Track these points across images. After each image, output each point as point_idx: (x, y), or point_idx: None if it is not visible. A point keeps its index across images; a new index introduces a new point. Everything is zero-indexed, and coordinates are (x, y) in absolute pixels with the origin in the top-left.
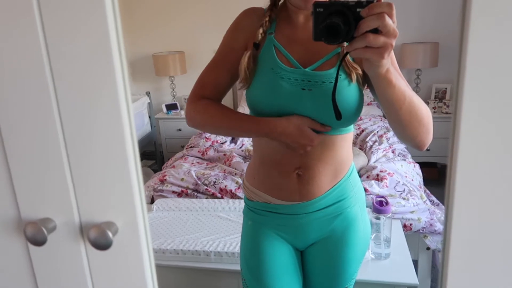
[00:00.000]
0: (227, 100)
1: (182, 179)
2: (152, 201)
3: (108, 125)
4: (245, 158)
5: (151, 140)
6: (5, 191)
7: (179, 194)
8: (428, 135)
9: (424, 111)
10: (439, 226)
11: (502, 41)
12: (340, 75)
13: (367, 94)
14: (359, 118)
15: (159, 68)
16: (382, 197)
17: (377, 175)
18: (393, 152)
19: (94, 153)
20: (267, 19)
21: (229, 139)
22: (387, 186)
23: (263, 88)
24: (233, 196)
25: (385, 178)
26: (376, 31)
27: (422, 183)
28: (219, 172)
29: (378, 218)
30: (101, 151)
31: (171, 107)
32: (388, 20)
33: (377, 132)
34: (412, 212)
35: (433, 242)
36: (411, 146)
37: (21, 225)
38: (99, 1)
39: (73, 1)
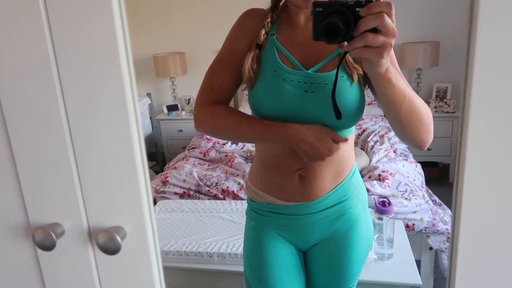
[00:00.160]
0: None
1: (184, 181)
2: (154, 202)
3: (115, 128)
4: (246, 159)
5: (152, 141)
6: (13, 196)
7: (181, 196)
8: (428, 134)
9: (424, 111)
10: (441, 226)
11: (510, 41)
12: (342, 76)
13: (368, 94)
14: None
15: (159, 69)
16: (385, 197)
17: (379, 175)
18: (394, 152)
19: (101, 157)
20: (268, 20)
21: None
22: (389, 186)
23: (266, 90)
24: (235, 197)
25: (387, 178)
26: (375, 30)
27: (424, 183)
28: (221, 173)
29: (380, 219)
30: (108, 155)
31: (172, 108)
32: (387, 19)
33: (379, 132)
34: (414, 212)
35: (436, 242)
36: (411, 145)
37: (30, 230)
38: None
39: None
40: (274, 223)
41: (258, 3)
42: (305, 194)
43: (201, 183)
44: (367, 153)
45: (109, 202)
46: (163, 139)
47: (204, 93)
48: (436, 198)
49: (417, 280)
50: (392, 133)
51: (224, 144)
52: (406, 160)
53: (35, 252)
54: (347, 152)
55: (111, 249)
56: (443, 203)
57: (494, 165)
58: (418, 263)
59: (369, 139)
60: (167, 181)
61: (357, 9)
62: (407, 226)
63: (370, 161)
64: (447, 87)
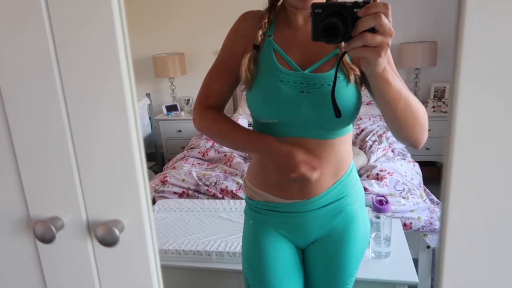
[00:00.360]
0: None
1: (183, 180)
2: (153, 202)
3: (114, 124)
4: (245, 158)
5: (152, 142)
6: (14, 191)
7: (180, 195)
8: (423, 134)
9: (420, 110)
10: (439, 225)
11: (498, 38)
12: (339, 76)
13: (367, 94)
14: (359, 117)
15: (158, 69)
16: (382, 196)
17: (377, 174)
18: (392, 151)
19: (100, 153)
20: (265, 21)
21: None
22: (387, 185)
23: (263, 91)
24: (234, 196)
25: (385, 178)
26: (373, 30)
27: (421, 182)
28: (220, 172)
29: (378, 217)
30: (107, 151)
31: (171, 108)
32: (384, 19)
33: (377, 131)
34: (412, 211)
35: (433, 240)
36: (407, 144)
37: (30, 224)
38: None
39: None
40: (272, 221)
41: (258, 3)
42: (304, 191)
43: (200, 183)
44: (365, 153)
45: (108, 196)
46: (162, 139)
47: (201, 97)
48: (433, 197)
49: (414, 278)
50: (390, 133)
51: None
52: (404, 159)
53: (35, 244)
54: (346, 150)
55: (109, 241)
56: (440, 202)
57: (481, 165)
58: (416, 261)
59: (367, 139)
60: (166, 180)
61: (355, 10)
62: (404, 225)
63: (368, 160)
64: (445, 87)
